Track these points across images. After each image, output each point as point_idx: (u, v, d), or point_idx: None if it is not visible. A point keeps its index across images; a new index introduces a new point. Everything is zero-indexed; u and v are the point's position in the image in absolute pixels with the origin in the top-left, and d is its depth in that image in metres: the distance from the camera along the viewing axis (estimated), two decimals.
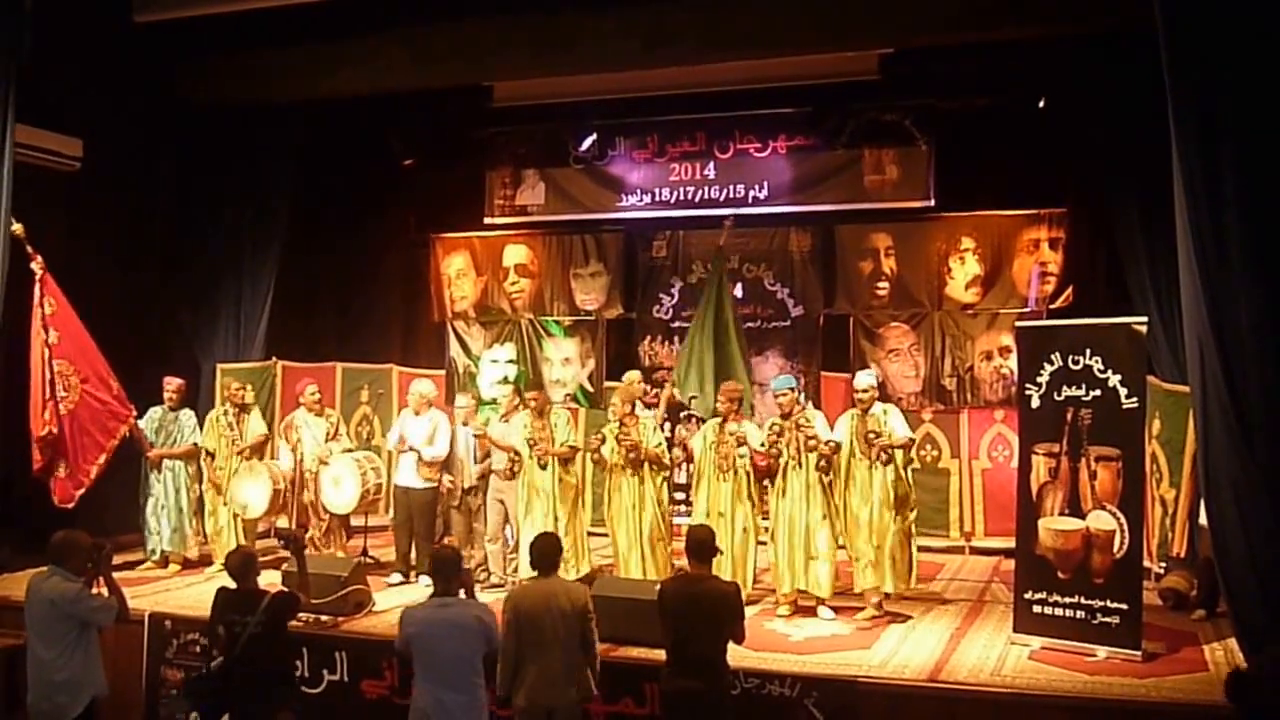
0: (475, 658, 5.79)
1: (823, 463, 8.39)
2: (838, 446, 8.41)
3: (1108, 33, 9.09)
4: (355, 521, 10.53)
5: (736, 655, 7.27)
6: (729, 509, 8.70)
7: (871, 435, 8.31)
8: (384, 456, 10.94)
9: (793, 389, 8.67)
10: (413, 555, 9.68)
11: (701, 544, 6.23)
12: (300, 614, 7.67)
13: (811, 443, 8.35)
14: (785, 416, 8.56)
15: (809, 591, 8.43)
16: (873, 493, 8.31)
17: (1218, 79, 6.53)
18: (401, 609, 6.26)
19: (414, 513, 9.68)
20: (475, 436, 9.66)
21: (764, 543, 8.79)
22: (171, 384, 10.25)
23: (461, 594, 6.00)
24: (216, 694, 6.26)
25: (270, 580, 7.46)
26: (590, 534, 9.84)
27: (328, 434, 10.25)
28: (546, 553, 6.23)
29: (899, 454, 8.36)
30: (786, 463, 8.50)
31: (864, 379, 8.63)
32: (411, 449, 9.59)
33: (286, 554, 7.68)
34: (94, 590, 6.27)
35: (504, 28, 10.09)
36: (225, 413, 10.32)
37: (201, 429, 10.24)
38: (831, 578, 8.38)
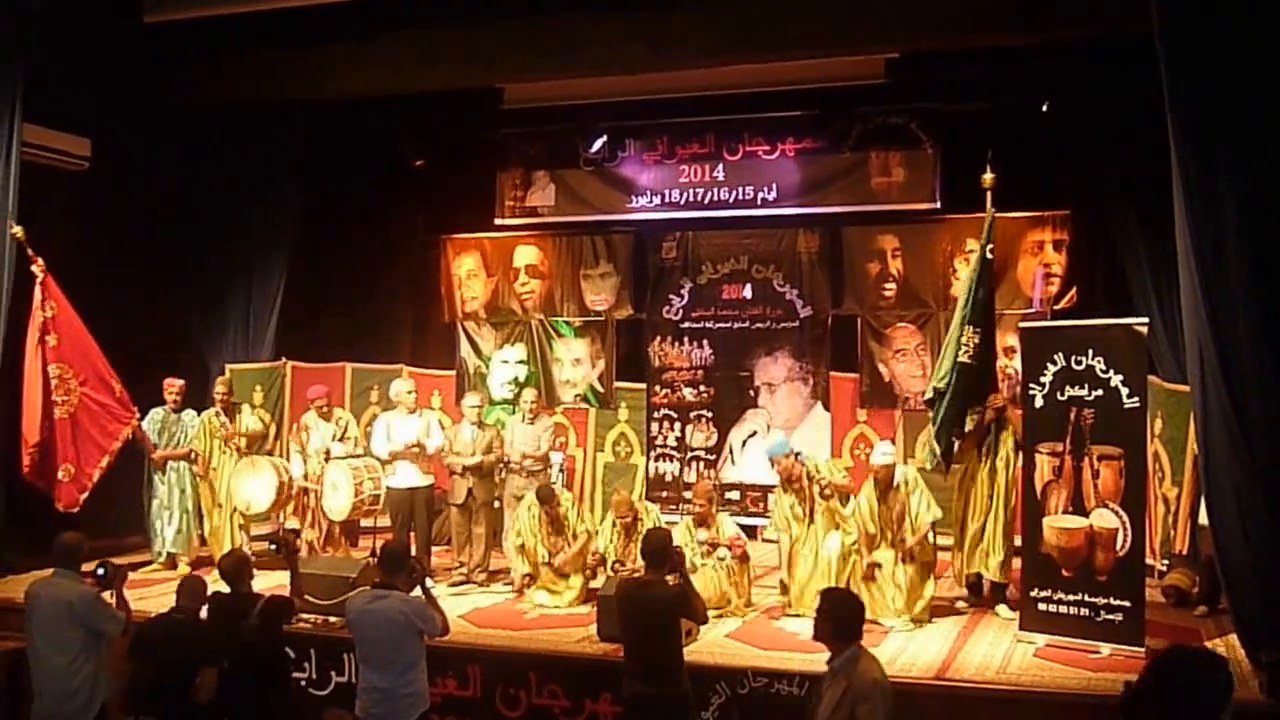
0: (404, 648, 5.85)
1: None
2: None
3: (1111, 37, 9.10)
4: (365, 523, 10.52)
5: (745, 655, 7.37)
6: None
7: (899, 542, 8.36)
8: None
9: (789, 453, 8.68)
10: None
11: (655, 549, 6.19)
12: (307, 616, 7.72)
13: (827, 491, 8.47)
14: (788, 481, 8.59)
15: None
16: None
17: (1215, 84, 6.58)
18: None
19: (417, 510, 9.78)
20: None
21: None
22: (173, 386, 10.30)
23: (418, 590, 6.12)
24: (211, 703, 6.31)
25: (279, 583, 7.45)
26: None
27: (334, 437, 10.27)
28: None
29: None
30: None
31: (881, 456, 8.62)
32: (419, 447, 9.65)
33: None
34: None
35: (514, 30, 10.10)
36: (216, 414, 10.34)
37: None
38: None
